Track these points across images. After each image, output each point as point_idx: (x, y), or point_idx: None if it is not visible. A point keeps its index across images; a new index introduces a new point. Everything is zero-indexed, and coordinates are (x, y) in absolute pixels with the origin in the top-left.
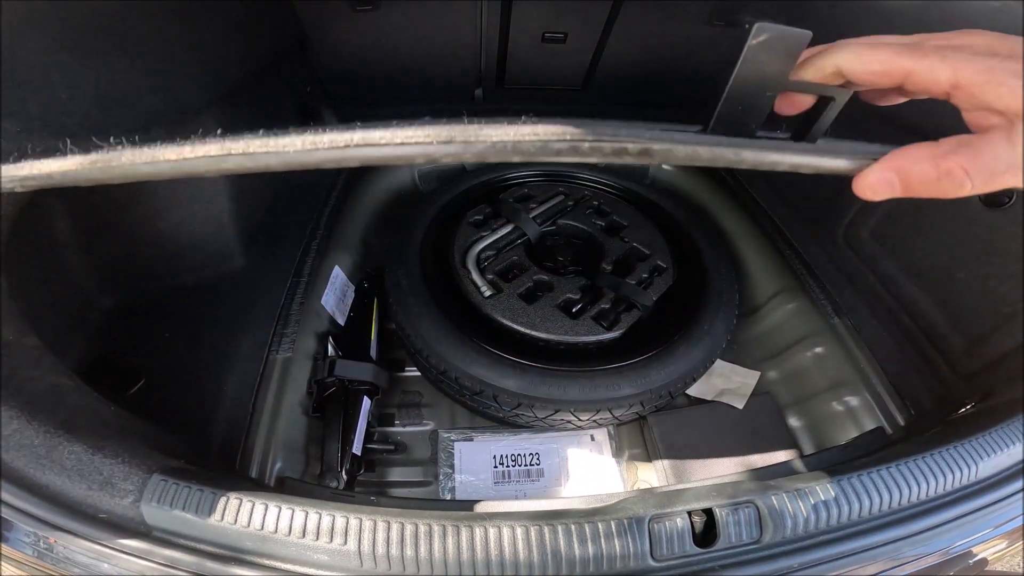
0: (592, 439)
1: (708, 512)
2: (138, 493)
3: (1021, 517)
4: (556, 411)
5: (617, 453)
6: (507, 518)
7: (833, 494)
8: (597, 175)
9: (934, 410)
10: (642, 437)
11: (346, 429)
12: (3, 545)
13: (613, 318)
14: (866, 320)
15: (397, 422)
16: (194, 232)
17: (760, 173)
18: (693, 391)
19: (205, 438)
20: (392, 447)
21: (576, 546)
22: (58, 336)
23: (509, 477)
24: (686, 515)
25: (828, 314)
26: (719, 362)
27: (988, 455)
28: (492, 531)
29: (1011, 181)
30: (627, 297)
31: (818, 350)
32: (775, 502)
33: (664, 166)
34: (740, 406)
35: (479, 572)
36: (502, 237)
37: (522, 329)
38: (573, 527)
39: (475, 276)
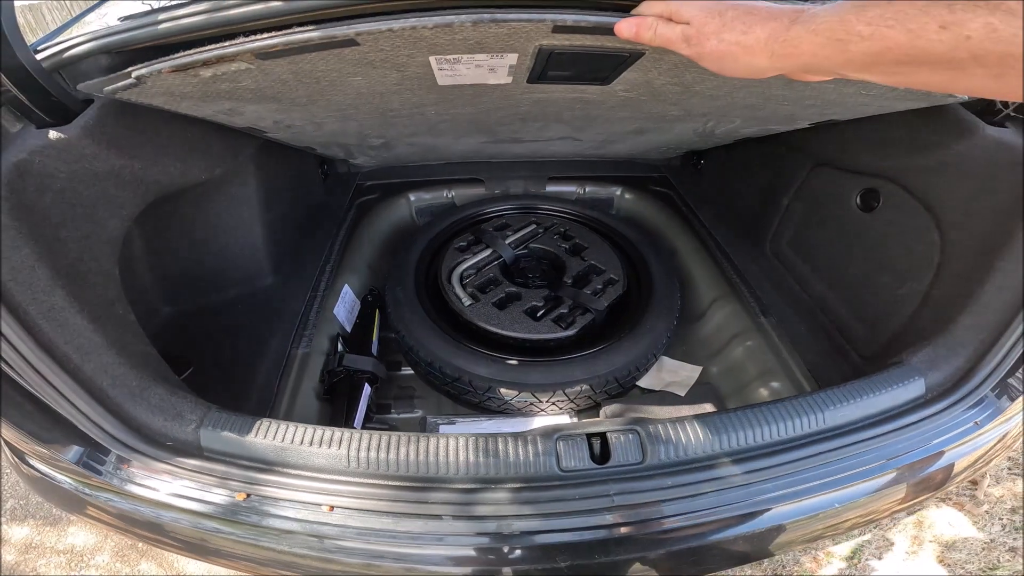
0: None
1: (603, 436)
2: (199, 421)
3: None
4: (519, 392)
5: None
6: (456, 436)
7: (703, 428)
8: (565, 207)
9: None
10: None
11: (350, 408)
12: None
13: (570, 320)
14: (788, 317)
15: (393, 411)
16: (235, 255)
17: (705, 197)
18: (644, 383)
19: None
20: (387, 428)
21: (502, 453)
22: None
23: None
24: (585, 437)
25: (756, 314)
26: (667, 359)
27: (836, 405)
28: (443, 440)
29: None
30: (582, 304)
31: (748, 344)
32: (652, 431)
33: (626, 196)
34: (682, 394)
35: (431, 470)
36: (482, 259)
37: (494, 329)
38: (500, 440)
39: (458, 290)
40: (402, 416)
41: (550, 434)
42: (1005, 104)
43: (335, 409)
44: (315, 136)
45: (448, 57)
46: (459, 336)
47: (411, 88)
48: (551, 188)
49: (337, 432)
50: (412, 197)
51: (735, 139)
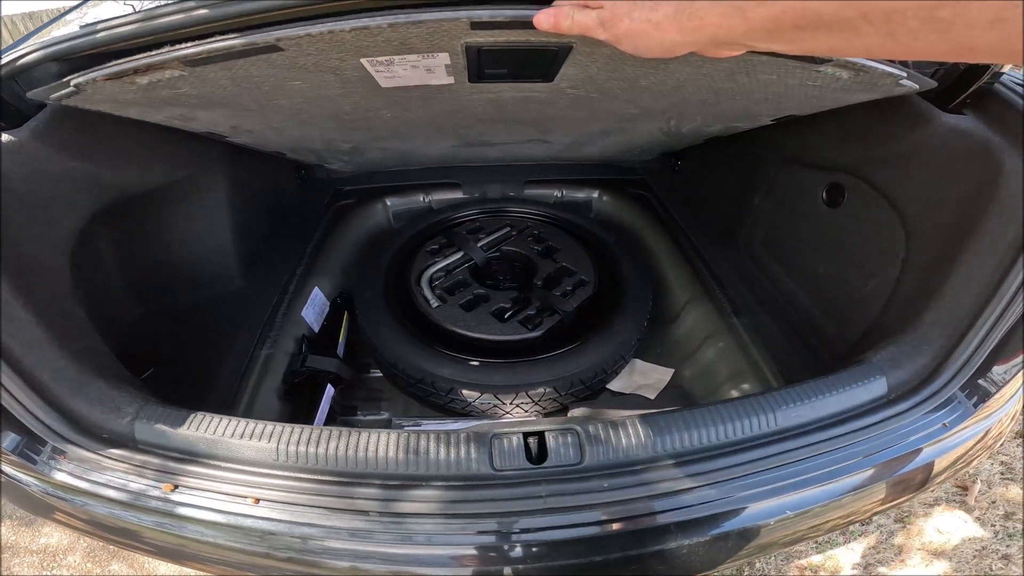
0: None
1: (541, 436)
2: (135, 414)
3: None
4: (481, 394)
5: None
6: (387, 432)
7: (646, 428)
8: (541, 210)
9: None
10: None
11: (309, 408)
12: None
13: (537, 322)
14: (760, 317)
15: (359, 412)
16: (205, 258)
17: (682, 199)
18: (614, 386)
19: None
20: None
21: (433, 450)
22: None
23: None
24: (521, 435)
25: (728, 314)
26: (639, 362)
27: (790, 405)
28: (372, 436)
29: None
30: (550, 305)
31: (720, 345)
32: (592, 431)
33: (604, 199)
34: (652, 397)
35: (359, 466)
36: (452, 262)
37: (459, 331)
38: (431, 436)
39: (426, 292)
40: (368, 418)
41: (485, 433)
42: (961, 88)
43: (295, 409)
44: (279, 141)
45: (380, 59)
46: (424, 338)
47: (357, 91)
48: (529, 192)
49: (268, 426)
50: (389, 202)
51: (704, 138)
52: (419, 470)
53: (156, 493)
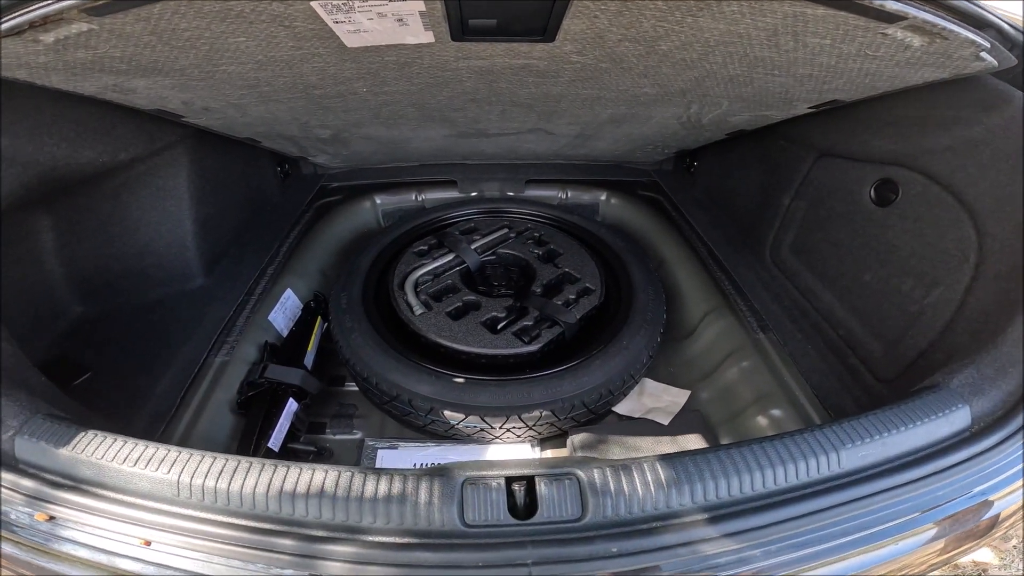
0: (515, 451)
1: (529, 481)
2: (18, 428)
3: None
4: (466, 416)
5: None
6: (324, 469)
7: (663, 473)
8: (542, 210)
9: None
10: (564, 452)
11: (265, 424)
12: None
13: (535, 334)
14: (790, 332)
15: (328, 430)
16: (160, 253)
17: (698, 203)
18: (622, 409)
19: (129, 423)
20: (315, 450)
21: (382, 496)
22: (26, 332)
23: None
24: (503, 480)
25: (753, 329)
26: (650, 382)
27: (856, 442)
28: (306, 472)
29: None
30: (550, 315)
31: (744, 364)
32: (597, 477)
33: (612, 201)
34: (665, 422)
35: (285, 511)
36: (442, 265)
37: (444, 342)
38: (383, 478)
39: (410, 297)
40: (337, 437)
41: (454, 474)
42: None
43: (248, 425)
44: (247, 123)
45: (336, 2)
46: (404, 349)
47: (317, 53)
48: (530, 192)
49: (172, 452)
50: (378, 200)
51: (727, 131)
52: (361, 519)
53: (27, 522)
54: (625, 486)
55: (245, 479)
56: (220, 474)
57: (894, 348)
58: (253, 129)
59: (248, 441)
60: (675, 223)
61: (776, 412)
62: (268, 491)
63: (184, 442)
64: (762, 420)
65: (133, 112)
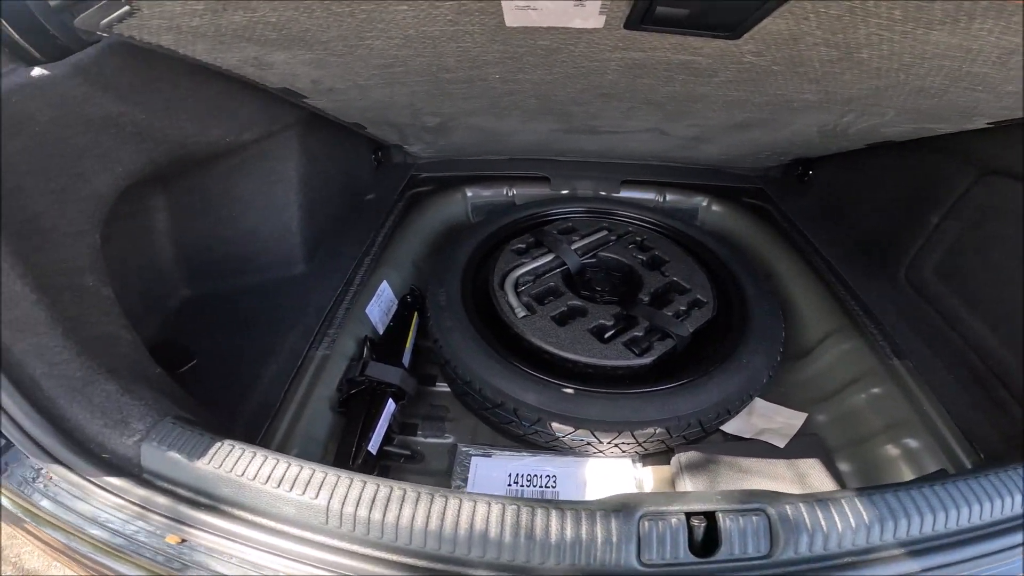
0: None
1: (711, 517)
2: (145, 433)
3: None
4: (575, 429)
5: (640, 484)
6: (489, 500)
7: (863, 508)
8: (641, 213)
9: (1006, 452)
10: (669, 470)
11: (366, 426)
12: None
13: (645, 346)
14: (928, 360)
15: (420, 432)
16: (265, 237)
17: (812, 214)
18: (730, 428)
19: (234, 416)
20: (409, 453)
21: (553, 532)
22: (137, 313)
23: (522, 497)
24: (683, 516)
25: (887, 355)
26: (761, 402)
27: None
28: (467, 503)
29: None
30: (661, 327)
31: (875, 391)
32: (790, 512)
33: (714, 207)
34: (781, 445)
35: (445, 548)
36: (542, 265)
37: (550, 349)
38: (554, 512)
39: (511, 298)
40: (429, 440)
41: (631, 509)
42: None
43: (349, 426)
44: (362, 106)
45: None
46: (507, 353)
47: (470, 32)
48: (626, 193)
49: (317, 472)
50: (469, 192)
51: (870, 142)
52: (532, 559)
53: (156, 543)
54: (823, 521)
55: (401, 509)
56: (373, 502)
57: None
58: (364, 114)
59: (350, 443)
60: (786, 234)
61: (911, 442)
62: (427, 524)
63: (287, 440)
64: (892, 449)
65: (257, 92)
